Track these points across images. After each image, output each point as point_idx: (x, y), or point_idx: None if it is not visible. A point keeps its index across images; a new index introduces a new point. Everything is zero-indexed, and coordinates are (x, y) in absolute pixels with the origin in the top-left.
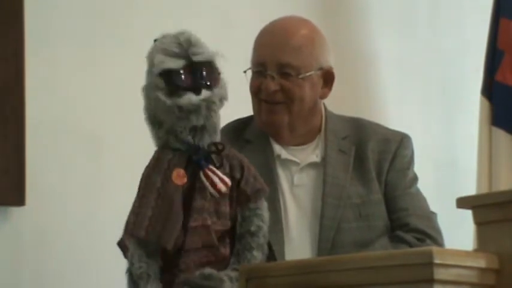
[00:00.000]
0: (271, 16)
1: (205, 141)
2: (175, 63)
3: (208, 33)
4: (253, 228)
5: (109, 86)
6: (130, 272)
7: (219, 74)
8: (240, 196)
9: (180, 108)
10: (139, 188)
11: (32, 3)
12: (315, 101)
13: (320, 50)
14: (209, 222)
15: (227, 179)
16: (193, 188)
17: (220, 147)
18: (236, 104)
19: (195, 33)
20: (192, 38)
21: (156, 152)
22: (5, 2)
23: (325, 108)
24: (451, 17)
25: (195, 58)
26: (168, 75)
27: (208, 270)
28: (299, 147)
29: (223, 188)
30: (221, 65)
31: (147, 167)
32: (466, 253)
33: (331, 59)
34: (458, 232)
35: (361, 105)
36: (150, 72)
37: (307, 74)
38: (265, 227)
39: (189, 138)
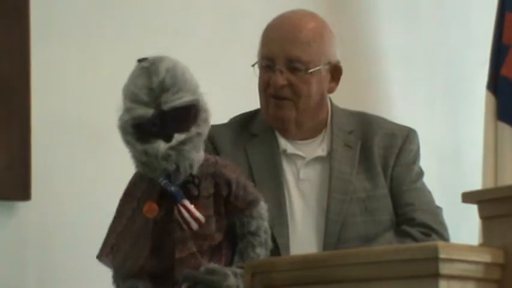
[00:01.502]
0: (277, 11)
1: (180, 179)
2: (144, 112)
3: (214, 28)
4: (253, 229)
5: (116, 81)
6: None
7: (198, 111)
8: (233, 210)
9: (149, 154)
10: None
11: None
12: (322, 96)
13: (328, 45)
14: (195, 249)
15: (200, 216)
16: (171, 217)
17: (196, 181)
18: (244, 98)
19: (176, 64)
20: (167, 81)
21: (133, 177)
22: None
23: (331, 103)
24: (456, 11)
25: (166, 106)
26: (136, 122)
27: (212, 265)
28: (305, 142)
29: (195, 226)
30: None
31: (125, 190)
32: (471, 248)
33: (338, 53)
34: (464, 227)
35: (366, 99)
36: (123, 105)
37: (316, 68)
38: (265, 224)
39: (161, 179)
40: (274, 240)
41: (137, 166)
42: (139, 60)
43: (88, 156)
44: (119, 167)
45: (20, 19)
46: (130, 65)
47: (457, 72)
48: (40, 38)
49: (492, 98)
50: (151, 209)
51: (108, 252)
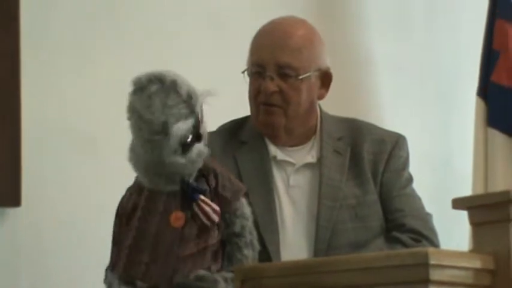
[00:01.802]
0: (266, 18)
1: (194, 175)
2: (186, 126)
3: (203, 35)
4: (237, 229)
5: (105, 87)
6: None
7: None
8: (222, 202)
9: (194, 161)
10: (128, 222)
11: (28, 2)
12: (311, 103)
13: (318, 51)
14: (195, 250)
15: (217, 207)
16: (189, 218)
17: (206, 173)
18: (235, 105)
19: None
20: (188, 89)
21: (147, 194)
22: (0, 1)
23: (321, 109)
24: (446, 18)
25: (196, 110)
26: (183, 139)
27: (202, 272)
28: (295, 148)
29: (216, 218)
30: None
31: (143, 207)
32: (462, 254)
33: (328, 60)
34: (454, 233)
35: (357, 107)
36: (140, 129)
37: (306, 75)
38: (249, 224)
39: (187, 180)
40: (264, 247)
41: (154, 182)
42: (139, 88)
43: (78, 162)
44: (110, 173)
45: (10, 24)
46: (121, 70)
47: (447, 78)
48: (30, 43)
49: (482, 104)
50: (177, 218)
51: (144, 272)
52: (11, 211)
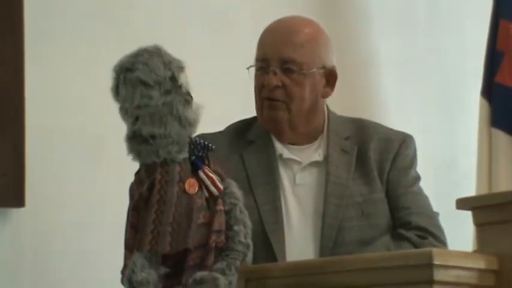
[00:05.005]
0: (269, 19)
1: None
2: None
3: (205, 36)
4: (227, 207)
5: (108, 89)
6: (129, 280)
7: None
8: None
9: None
10: (152, 202)
11: (32, 6)
12: (315, 100)
13: (324, 49)
14: (203, 221)
15: (218, 181)
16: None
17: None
18: (239, 106)
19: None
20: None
21: (159, 166)
22: (4, 6)
23: (328, 109)
24: (450, 19)
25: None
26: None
27: (199, 274)
28: (301, 147)
29: (215, 191)
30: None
31: (159, 179)
32: (466, 254)
33: (334, 59)
34: (458, 233)
35: (361, 107)
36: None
37: (310, 70)
38: (239, 203)
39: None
40: (270, 245)
41: (179, 151)
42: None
43: (82, 163)
44: (112, 174)
45: (14, 28)
46: None
47: (451, 79)
48: (34, 46)
49: (486, 105)
50: (191, 185)
51: (170, 242)
52: (15, 212)
